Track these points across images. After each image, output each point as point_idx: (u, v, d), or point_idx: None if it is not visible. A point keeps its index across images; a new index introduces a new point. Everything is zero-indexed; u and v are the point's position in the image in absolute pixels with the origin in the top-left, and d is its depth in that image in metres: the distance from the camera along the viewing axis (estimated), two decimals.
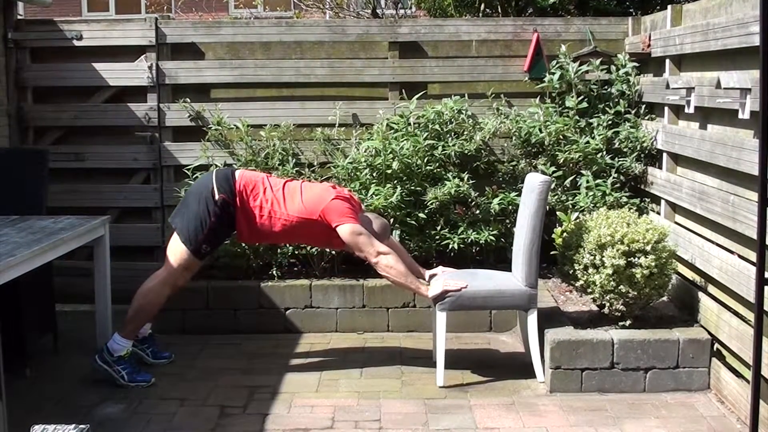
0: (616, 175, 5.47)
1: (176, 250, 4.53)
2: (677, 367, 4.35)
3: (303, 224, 4.51)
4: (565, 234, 4.77)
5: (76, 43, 5.85)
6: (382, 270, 4.48)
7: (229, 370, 4.75)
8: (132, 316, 4.55)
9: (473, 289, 4.47)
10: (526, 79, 5.79)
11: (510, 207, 5.47)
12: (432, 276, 4.69)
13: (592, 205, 5.32)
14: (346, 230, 4.44)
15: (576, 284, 4.61)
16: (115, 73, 5.87)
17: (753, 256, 3.61)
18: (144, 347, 4.79)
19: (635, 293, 4.37)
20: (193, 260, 4.54)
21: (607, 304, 4.47)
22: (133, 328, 4.56)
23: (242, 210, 4.53)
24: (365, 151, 5.55)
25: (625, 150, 5.51)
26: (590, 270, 4.44)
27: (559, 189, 5.50)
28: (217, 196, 4.49)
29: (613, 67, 5.66)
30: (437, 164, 5.56)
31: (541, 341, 4.48)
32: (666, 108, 5.15)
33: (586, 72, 5.62)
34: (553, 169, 5.49)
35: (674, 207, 5.04)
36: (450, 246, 5.44)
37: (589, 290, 4.51)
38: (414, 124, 5.62)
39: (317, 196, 4.53)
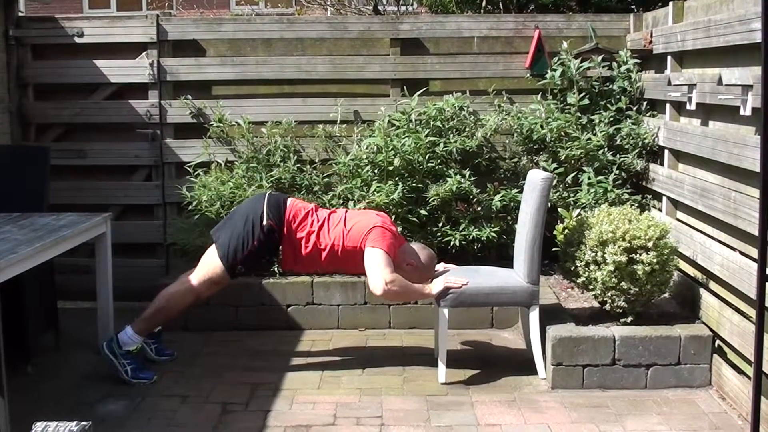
0: (617, 172, 5.47)
1: (210, 263, 4.50)
2: (679, 363, 4.35)
3: (347, 254, 4.47)
4: (566, 231, 4.77)
5: (78, 40, 5.85)
6: (390, 298, 4.47)
7: (230, 367, 4.75)
8: (150, 315, 4.54)
9: (475, 286, 4.47)
10: (528, 75, 5.79)
11: (511, 204, 5.47)
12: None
13: (593, 201, 5.32)
14: (370, 253, 4.37)
15: (577, 281, 4.61)
16: (117, 70, 5.88)
17: (754, 252, 3.60)
18: (150, 342, 4.77)
19: (637, 290, 4.37)
20: (224, 277, 4.51)
21: (609, 301, 4.47)
22: (148, 326, 4.56)
23: (288, 239, 4.51)
24: (367, 148, 5.54)
25: (626, 147, 5.51)
26: (592, 267, 4.44)
27: (561, 186, 5.50)
28: (264, 222, 4.46)
29: (614, 64, 5.66)
30: (439, 161, 5.56)
31: (543, 338, 4.48)
32: (668, 105, 5.15)
33: (588, 69, 5.62)
34: (554, 165, 5.49)
35: (676, 204, 5.04)
36: (452, 243, 5.45)
37: (591, 287, 4.51)
38: (415, 120, 5.62)
39: (362, 226, 4.47)
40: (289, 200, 4.63)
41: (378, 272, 4.31)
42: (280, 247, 4.57)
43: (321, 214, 4.61)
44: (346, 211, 4.68)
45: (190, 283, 4.53)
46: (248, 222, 4.47)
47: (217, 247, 4.50)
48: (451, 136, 5.59)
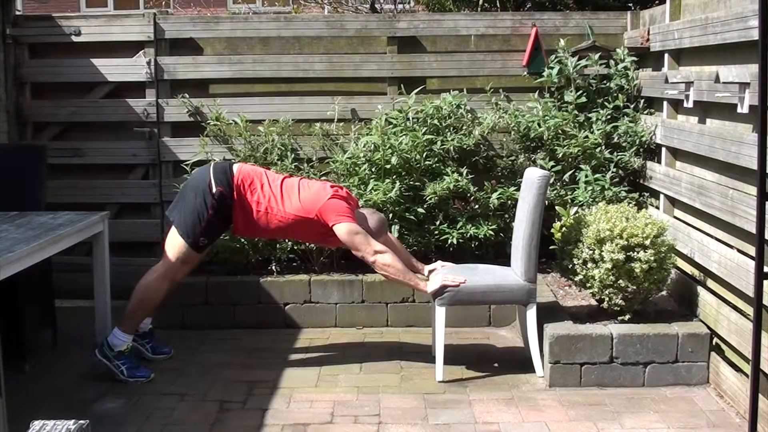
0: (615, 170, 5.47)
1: (174, 244, 4.53)
2: (676, 361, 4.35)
3: (299, 222, 4.51)
4: (564, 228, 4.77)
5: (75, 38, 5.84)
6: (379, 269, 4.48)
7: (228, 365, 4.75)
8: (132, 311, 4.55)
9: (472, 284, 4.47)
10: (525, 73, 5.78)
11: (509, 202, 5.47)
12: (431, 271, 4.69)
13: (591, 199, 5.32)
14: (342, 229, 4.43)
15: (575, 279, 4.62)
16: (114, 69, 5.87)
17: (752, 250, 3.61)
18: (144, 342, 4.79)
19: (634, 288, 4.37)
20: (191, 253, 4.54)
21: (606, 299, 4.47)
22: (132, 322, 4.57)
23: (239, 204, 4.53)
24: (364, 146, 5.54)
25: (624, 144, 5.51)
26: (589, 264, 4.44)
27: (558, 183, 5.50)
28: (214, 189, 4.48)
29: (611, 62, 5.66)
30: (436, 159, 5.56)
31: (540, 336, 4.49)
32: (665, 102, 5.15)
33: (585, 66, 5.62)
34: (552, 163, 5.49)
35: (673, 201, 5.04)
36: (449, 241, 5.45)
37: (588, 285, 4.51)
38: (413, 119, 5.62)
39: (314, 195, 4.52)
40: (236, 165, 4.66)
41: (363, 244, 4.42)
42: (233, 213, 4.58)
43: (272, 177, 4.65)
44: (300, 179, 4.72)
45: (162, 269, 4.56)
46: (198, 194, 4.50)
47: (176, 227, 4.53)
48: (449, 134, 5.59)
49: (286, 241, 5.48)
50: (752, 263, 3.44)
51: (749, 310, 3.76)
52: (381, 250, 4.45)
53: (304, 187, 4.59)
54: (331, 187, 4.62)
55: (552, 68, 5.62)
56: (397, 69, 5.83)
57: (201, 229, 4.48)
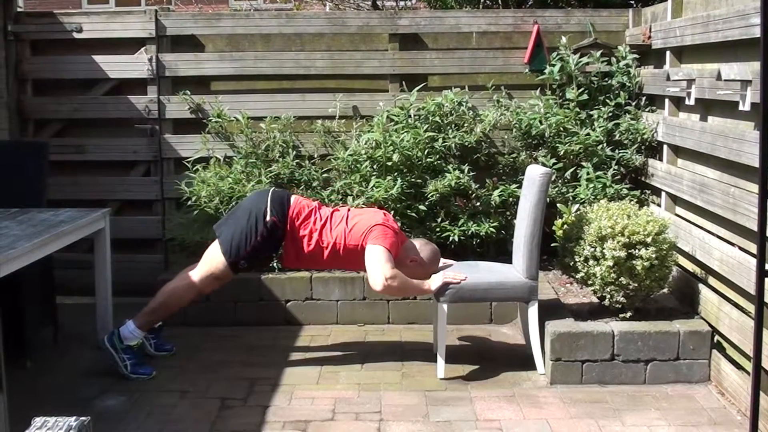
0: (616, 167, 5.47)
1: (213, 259, 4.51)
2: (677, 359, 4.35)
3: (348, 252, 4.48)
4: (565, 226, 4.77)
5: (76, 35, 5.84)
6: (390, 293, 4.48)
7: (229, 362, 4.75)
8: (152, 310, 4.55)
9: (474, 281, 4.47)
10: (527, 71, 5.78)
11: (510, 199, 5.47)
12: None
13: (592, 197, 5.32)
14: (373, 250, 4.37)
15: (576, 276, 4.62)
16: (115, 66, 5.87)
17: (753, 248, 3.61)
18: (150, 337, 4.78)
19: (636, 285, 4.37)
20: (227, 272, 4.51)
21: (608, 296, 4.47)
22: (149, 320, 4.57)
23: (291, 236, 4.51)
24: (365, 144, 5.54)
25: (625, 142, 5.51)
26: (591, 262, 4.44)
27: (560, 181, 5.50)
28: (268, 218, 4.46)
29: (613, 59, 5.66)
30: (437, 156, 5.56)
31: (542, 333, 4.49)
32: (666, 100, 5.15)
33: (587, 64, 5.61)
34: (553, 161, 5.49)
35: (675, 199, 5.04)
36: (450, 238, 5.44)
37: (590, 282, 4.51)
38: (414, 116, 5.62)
39: (363, 224, 4.47)
40: (293, 197, 4.63)
41: (378, 268, 4.32)
42: (282, 243, 4.57)
43: (324, 212, 4.61)
44: (349, 210, 4.68)
45: (192, 278, 4.54)
46: (251, 218, 4.47)
47: (220, 243, 4.50)
48: (450, 131, 5.59)
49: None
50: (753, 261, 3.44)
51: (750, 308, 3.76)
52: (391, 276, 4.31)
53: (352, 218, 4.54)
54: (383, 215, 4.57)
55: (553, 66, 5.62)
56: (398, 66, 5.83)
57: (245, 252, 4.45)
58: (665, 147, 5.17)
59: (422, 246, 4.61)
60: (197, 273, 4.54)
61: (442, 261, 4.75)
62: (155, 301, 4.56)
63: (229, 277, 4.57)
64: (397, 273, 4.34)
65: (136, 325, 4.51)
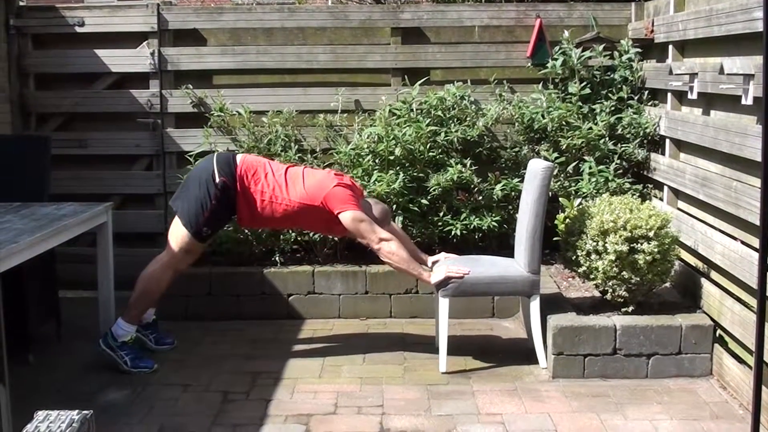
0: (618, 161, 5.47)
1: (177, 234, 4.54)
2: (680, 353, 4.35)
3: (304, 210, 4.52)
4: (567, 220, 4.77)
5: (78, 29, 5.83)
6: (384, 256, 4.49)
7: (231, 356, 4.76)
8: (135, 301, 4.57)
9: (476, 275, 4.47)
10: (529, 65, 5.77)
11: (513, 193, 5.47)
12: (435, 262, 4.70)
13: (594, 191, 5.32)
14: (348, 217, 4.44)
15: (578, 270, 4.61)
16: (117, 60, 5.86)
17: (756, 242, 3.61)
18: (147, 333, 4.80)
19: (638, 279, 4.37)
20: (194, 243, 4.55)
21: (610, 290, 4.47)
22: (136, 312, 4.58)
23: (243, 194, 4.53)
24: (368, 138, 5.54)
25: (627, 136, 5.50)
26: (593, 256, 4.44)
27: (562, 175, 5.50)
28: (217, 179, 4.49)
29: (616, 53, 5.64)
30: (440, 150, 5.55)
31: (544, 327, 4.49)
32: (669, 94, 5.14)
33: (589, 58, 5.60)
34: (555, 155, 5.49)
35: (677, 193, 5.04)
36: (453, 232, 5.45)
37: (592, 276, 4.51)
38: (416, 110, 5.61)
39: (319, 183, 4.53)
40: (239, 156, 4.68)
41: (369, 232, 4.45)
42: (236, 204, 4.59)
43: (276, 167, 4.66)
44: (304, 168, 4.73)
45: (165, 259, 4.58)
46: (202, 184, 4.51)
47: (179, 217, 4.55)
48: (452, 125, 5.58)
49: (290, 232, 5.48)
50: (756, 255, 3.44)
51: (753, 302, 3.76)
52: (386, 238, 4.47)
53: (308, 175, 4.60)
54: (336, 175, 4.63)
55: (556, 59, 5.61)
56: (400, 60, 5.82)
57: (204, 219, 4.49)
58: (668, 141, 5.16)
59: (374, 205, 4.70)
60: (168, 252, 4.58)
61: (444, 255, 4.76)
62: (136, 291, 4.58)
63: (198, 248, 4.61)
64: (392, 237, 4.48)
65: (125, 320, 4.54)
